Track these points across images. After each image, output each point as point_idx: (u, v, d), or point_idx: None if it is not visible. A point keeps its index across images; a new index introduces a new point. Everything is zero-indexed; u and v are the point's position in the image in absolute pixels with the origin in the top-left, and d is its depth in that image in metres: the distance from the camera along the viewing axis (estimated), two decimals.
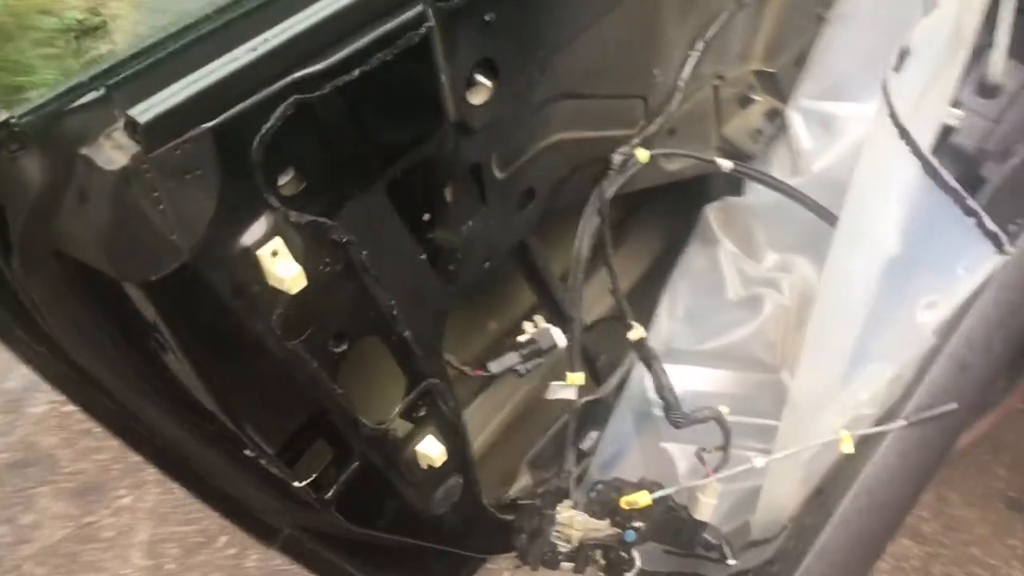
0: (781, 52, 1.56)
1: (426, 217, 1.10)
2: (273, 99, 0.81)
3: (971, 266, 1.30)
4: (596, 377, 1.67)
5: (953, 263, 1.30)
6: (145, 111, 0.72)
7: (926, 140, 1.33)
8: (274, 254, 0.87)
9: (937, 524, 2.31)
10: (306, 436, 1.07)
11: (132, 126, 0.72)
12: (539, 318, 1.43)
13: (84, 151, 0.72)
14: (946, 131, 1.52)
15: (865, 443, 1.35)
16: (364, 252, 0.98)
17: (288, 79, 0.81)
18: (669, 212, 1.80)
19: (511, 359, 1.37)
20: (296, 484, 1.08)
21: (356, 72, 0.85)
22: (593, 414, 1.64)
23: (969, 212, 1.24)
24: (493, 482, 1.62)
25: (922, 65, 1.30)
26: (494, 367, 1.36)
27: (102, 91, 0.72)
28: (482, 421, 1.69)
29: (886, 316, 1.35)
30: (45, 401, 2.69)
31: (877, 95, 1.56)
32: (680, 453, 1.63)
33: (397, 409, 1.14)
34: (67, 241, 0.80)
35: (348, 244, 0.95)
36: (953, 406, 1.32)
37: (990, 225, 1.27)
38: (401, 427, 1.19)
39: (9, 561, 2.36)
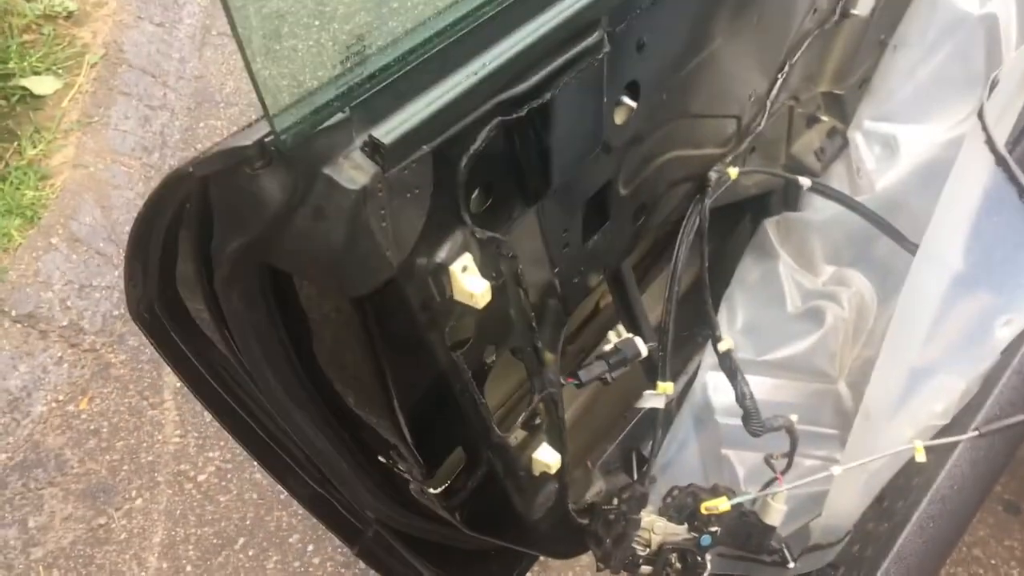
0: (848, 75, 1.62)
1: (564, 233, 1.13)
2: (481, 121, 0.83)
3: None
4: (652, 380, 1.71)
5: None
6: (387, 133, 0.74)
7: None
8: (464, 269, 0.89)
9: None
10: (445, 444, 1.09)
11: (374, 147, 0.74)
12: (620, 328, 1.46)
13: (326, 170, 0.73)
14: None
15: (934, 453, 1.42)
16: (519, 268, 1.00)
17: (495, 101, 0.83)
18: (723, 226, 1.85)
19: (599, 368, 1.40)
20: (432, 491, 1.09)
21: (548, 95, 0.88)
22: (657, 419, 1.69)
23: None
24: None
25: (1007, 96, 1.37)
26: (584, 376, 1.39)
27: (346, 113, 0.73)
28: None
29: (961, 333, 1.43)
30: (47, 400, 2.63)
31: (935, 118, 1.64)
32: (740, 459, 1.68)
33: (522, 417, 1.16)
34: (285, 256, 0.80)
35: (513, 259, 0.98)
36: (1022, 417, 1.39)
37: None
38: (522, 436, 1.22)
39: (20, 565, 2.30)
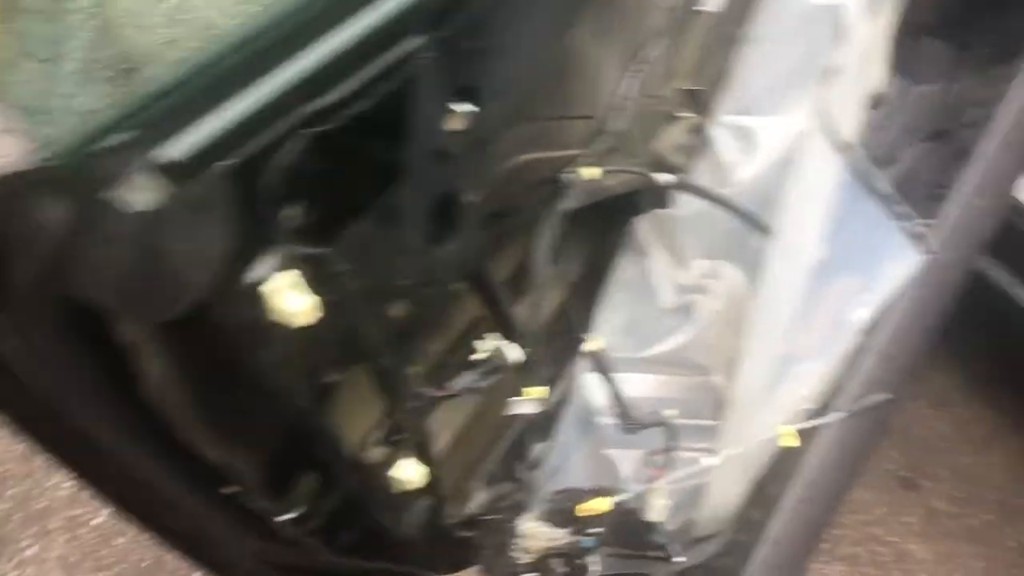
0: (704, 70, 1.65)
1: (409, 242, 1.11)
2: (282, 134, 0.81)
3: (897, 266, 1.41)
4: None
5: (880, 264, 1.41)
6: (169, 151, 0.71)
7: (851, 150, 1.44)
8: (281, 288, 0.86)
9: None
10: (291, 469, 1.07)
11: (158, 167, 0.71)
12: (488, 336, 1.45)
13: (109, 193, 0.71)
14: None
15: (805, 436, 1.44)
16: (358, 282, 0.98)
17: (301, 112, 0.81)
18: (594, 226, 1.86)
19: (469, 378, 1.39)
20: (280, 518, 1.06)
21: (359, 104, 0.86)
22: (540, 425, 1.68)
23: (901, 216, 1.35)
24: (448, 499, 1.64)
25: (842, 82, 1.40)
26: (457, 384, 1.38)
27: (128, 133, 0.70)
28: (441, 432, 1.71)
29: (818, 317, 1.45)
30: None
31: (791, 109, 1.67)
32: (623, 458, 1.69)
33: (379, 435, 1.14)
34: (81, 286, 0.77)
35: (345, 274, 0.96)
36: (889, 396, 1.42)
37: (918, 228, 1.39)
38: (378, 452, 1.20)
39: None
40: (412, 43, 0.90)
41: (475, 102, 1.05)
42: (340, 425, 1.11)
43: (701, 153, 1.76)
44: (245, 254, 0.84)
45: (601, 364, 1.43)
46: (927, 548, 2.38)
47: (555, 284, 1.83)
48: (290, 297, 0.87)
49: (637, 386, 1.70)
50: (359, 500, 1.18)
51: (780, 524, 1.40)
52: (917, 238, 1.37)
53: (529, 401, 1.38)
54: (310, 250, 0.90)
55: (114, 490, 1.16)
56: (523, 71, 1.18)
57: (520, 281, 1.74)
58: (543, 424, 1.69)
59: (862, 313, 1.43)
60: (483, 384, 1.40)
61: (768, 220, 1.59)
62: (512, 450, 1.61)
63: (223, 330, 0.85)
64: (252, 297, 0.85)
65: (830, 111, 1.36)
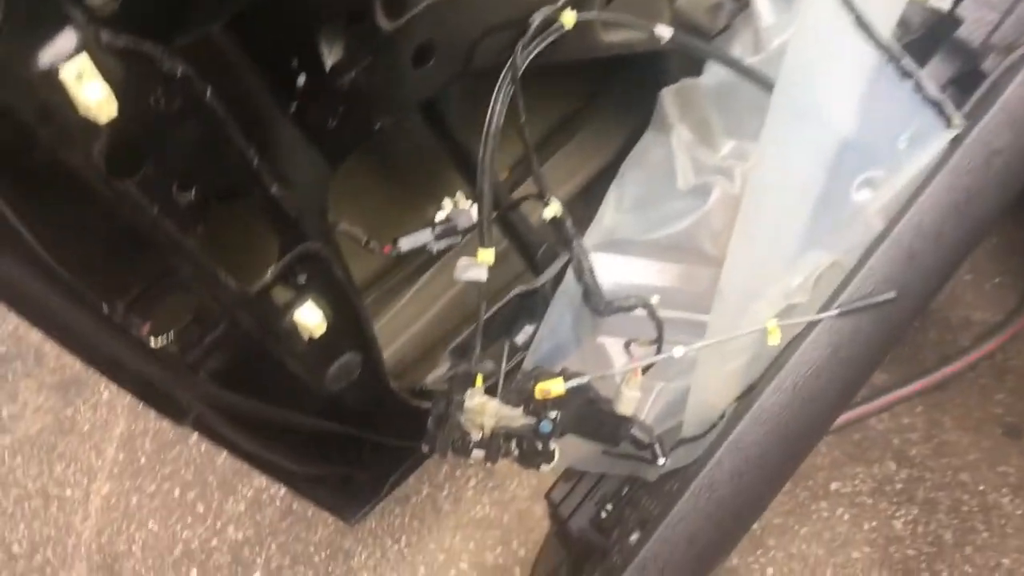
0: None
1: (294, 64, 1.02)
2: None
3: (915, 139, 1.19)
4: (535, 267, 1.59)
5: (894, 136, 1.19)
6: None
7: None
8: (80, 76, 0.80)
9: (926, 448, 2.20)
10: (160, 291, 1.02)
11: None
12: (461, 196, 1.35)
13: None
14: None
15: (791, 335, 1.25)
16: (209, 92, 0.91)
17: None
18: (630, 102, 1.70)
19: (423, 236, 1.30)
20: (152, 342, 1.03)
21: None
22: (529, 306, 1.57)
23: (906, 75, 1.13)
24: (427, 369, 1.57)
25: None
26: (404, 244, 1.29)
27: None
28: (417, 311, 1.64)
29: (825, 197, 1.25)
30: None
31: None
32: (617, 348, 1.55)
33: (269, 272, 1.08)
34: None
35: (185, 80, 0.88)
36: (891, 295, 1.21)
37: (932, 92, 1.15)
38: (283, 294, 1.13)
39: None
40: None
41: None
42: (234, 258, 1.05)
43: (745, 19, 1.55)
44: (38, 32, 0.78)
45: (562, 232, 1.29)
46: (1019, 503, 2.07)
47: (573, 163, 1.70)
48: (91, 86, 0.80)
49: (640, 272, 1.55)
50: (259, 342, 1.13)
51: (747, 427, 1.23)
52: (936, 106, 1.14)
53: (475, 266, 1.27)
54: (128, 42, 0.83)
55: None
56: None
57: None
58: (532, 305, 1.58)
59: (872, 195, 1.21)
60: (437, 245, 1.31)
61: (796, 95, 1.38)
62: (492, 328, 1.52)
63: (22, 119, 0.80)
64: (49, 82, 0.79)
65: None
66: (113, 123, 0.83)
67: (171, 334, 1.04)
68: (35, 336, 2.64)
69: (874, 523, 2.10)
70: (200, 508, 2.26)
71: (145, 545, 2.21)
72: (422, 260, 1.63)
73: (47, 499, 2.30)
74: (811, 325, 1.23)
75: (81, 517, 2.26)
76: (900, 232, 1.23)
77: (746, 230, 1.29)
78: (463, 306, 1.62)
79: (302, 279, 1.13)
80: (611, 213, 1.56)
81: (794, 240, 1.27)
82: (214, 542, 2.20)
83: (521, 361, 1.58)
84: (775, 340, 1.23)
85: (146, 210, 0.92)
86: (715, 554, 1.24)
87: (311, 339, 1.15)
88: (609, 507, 1.77)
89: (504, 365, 1.53)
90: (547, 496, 1.87)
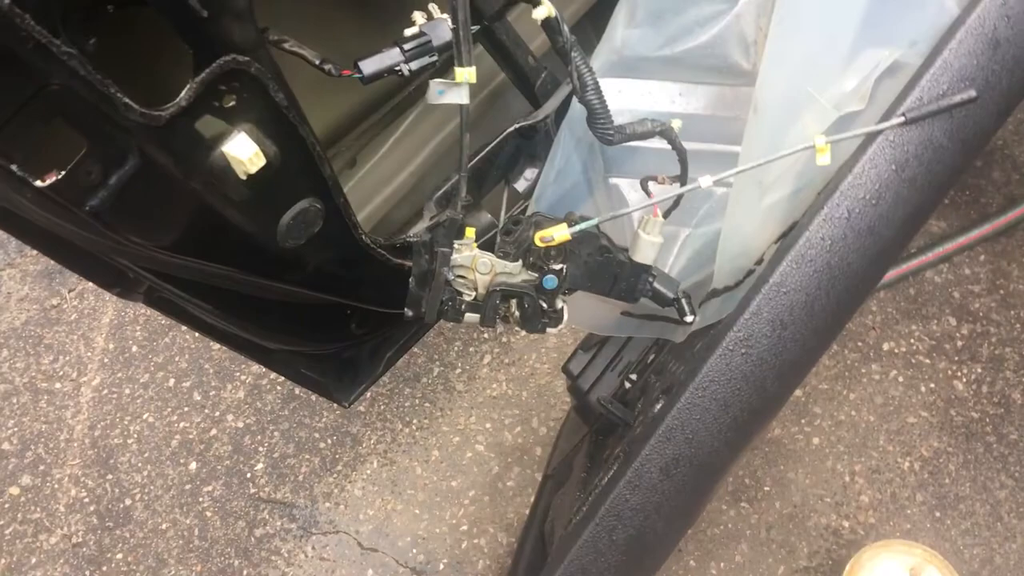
0: None
1: None
2: None
3: None
4: (535, 102, 1.35)
5: None
6: None
7: None
8: None
9: (990, 300, 1.97)
10: (34, 115, 0.80)
11: None
12: (434, 7, 1.10)
13: None
14: None
15: (845, 153, 1.02)
16: None
17: None
18: None
19: (391, 57, 1.06)
20: (37, 183, 0.82)
21: None
22: (528, 147, 1.34)
23: None
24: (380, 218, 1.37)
25: None
26: (368, 66, 1.05)
27: None
28: (400, 161, 1.41)
29: None
30: None
31: None
32: (633, 190, 1.32)
33: (184, 92, 0.85)
34: None
35: None
36: (971, 94, 0.96)
37: None
38: (212, 126, 0.91)
39: None
40: None
41: None
42: (115, 70, 0.82)
43: None
44: None
45: (560, 42, 1.04)
46: None
47: None
48: None
49: (658, 97, 1.31)
50: (185, 185, 0.91)
51: (789, 269, 1.01)
52: None
53: (451, 86, 1.03)
54: None
55: None
56: None
57: None
58: (532, 145, 1.34)
59: None
60: (409, 67, 1.07)
61: None
62: (477, 171, 1.29)
63: None
64: None
65: None
66: None
67: (61, 173, 0.83)
68: None
69: (932, 385, 1.90)
70: (197, 397, 2.11)
71: (140, 438, 2.06)
72: (401, 98, 1.40)
73: (36, 393, 2.16)
74: (869, 138, 0.99)
75: (72, 411, 2.12)
76: (983, 15, 0.98)
77: (787, 24, 1.04)
78: (455, 153, 1.39)
79: (230, 102, 0.90)
80: (621, 29, 1.30)
81: (848, 33, 1.02)
82: (213, 432, 2.06)
83: (523, 211, 1.36)
84: (825, 159, 0.99)
85: None
86: (754, 421, 1.04)
87: (250, 180, 0.93)
88: (633, 377, 1.58)
89: (504, 215, 1.32)
90: (564, 368, 1.68)
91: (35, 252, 2.39)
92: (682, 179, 1.17)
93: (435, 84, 1.04)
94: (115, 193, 0.87)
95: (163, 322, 2.23)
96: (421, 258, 1.14)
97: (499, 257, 1.15)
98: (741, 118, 1.27)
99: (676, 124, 1.14)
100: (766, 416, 1.06)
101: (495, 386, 2.03)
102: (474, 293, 1.17)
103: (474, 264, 1.14)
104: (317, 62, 1.04)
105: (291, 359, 1.45)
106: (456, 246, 1.13)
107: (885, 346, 1.94)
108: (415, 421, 2.01)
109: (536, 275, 1.15)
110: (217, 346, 2.18)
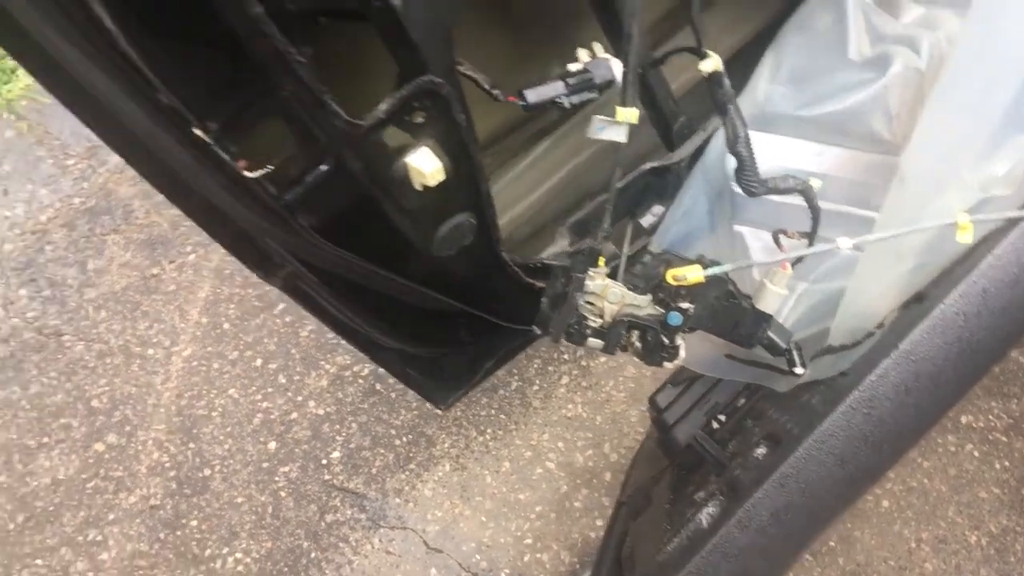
0: None
1: None
2: None
3: None
4: (671, 144, 1.39)
5: None
6: None
7: None
8: None
9: None
10: (258, 114, 0.87)
11: None
12: (599, 47, 1.16)
13: None
14: None
15: (986, 233, 1.05)
16: None
17: None
18: None
19: (554, 89, 1.12)
20: (247, 173, 0.88)
21: None
22: (659, 186, 1.39)
23: None
24: (539, 248, 1.41)
25: None
26: (532, 96, 1.11)
27: None
28: (534, 181, 1.47)
29: None
30: None
31: None
32: (756, 238, 1.36)
33: (384, 105, 0.92)
34: None
35: None
36: None
37: None
38: (395, 137, 0.98)
39: (73, 302, 2.35)
40: None
41: None
42: (347, 89, 0.89)
43: None
44: None
45: (720, 95, 1.09)
46: None
47: (723, 25, 1.48)
48: None
49: (794, 153, 1.35)
50: (366, 189, 0.98)
51: (922, 338, 1.04)
52: None
53: (612, 125, 1.08)
54: None
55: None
56: None
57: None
58: (663, 184, 1.39)
59: None
60: (571, 100, 1.13)
61: None
62: (619, 203, 1.34)
63: None
64: None
65: None
66: None
67: (268, 167, 0.89)
68: (125, 190, 2.56)
69: (1007, 462, 1.91)
70: (282, 379, 2.18)
71: (225, 412, 2.14)
72: (543, 124, 1.45)
73: (129, 356, 2.25)
74: (1012, 223, 1.03)
75: (162, 378, 2.21)
76: None
77: (942, 104, 1.08)
78: (585, 179, 1.44)
79: (419, 118, 0.97)
80: (765, 83, 1.35)
81: (1000, 119, 1.06)
82: (294, 415, 2.12)
83: (645, 246, 1.41)
84: (967, 238, 1.03)
85: (247, 7, 0.76)
86: (867, 479, 1.07)
87: (424, 191, 1.00)
88: (722, 418, 1.61)
89: (627, 247, 1.36)
90: (652, 399, 1.72)
91: (140, 220, 2.49)
92: (811, 236, 1.21)
93: (597, 120, 1.10)
94: (310, 190, 0.94)
95: (256, 304, 2.31)
96: (557, 281, 1.19)
97: (628, 288, 1.20)
98: (873, 183, 1.32)
99: (816, 184, 1.18)
100: (878, 476, 1.09)
101: (570, 407, 2.08)
102: (600, 320, 1.22)
103: (605, 293, 1.19)
104: (487, 86, 1.11)
105: (399, 357, 1.51)
106: (590, 273, 1.19)
107: (963, 419, 1.95)
108: (489, 431, 2.07)
109: (662, 310, 1.20)
110: (305, 332, 2.25)
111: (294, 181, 0.93)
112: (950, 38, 1.27)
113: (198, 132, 0.86)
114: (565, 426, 2.05)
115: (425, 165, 0.97)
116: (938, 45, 1.26)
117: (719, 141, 1.34)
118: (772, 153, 1.36)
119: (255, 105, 0.85)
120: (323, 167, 0.93)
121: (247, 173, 0.89)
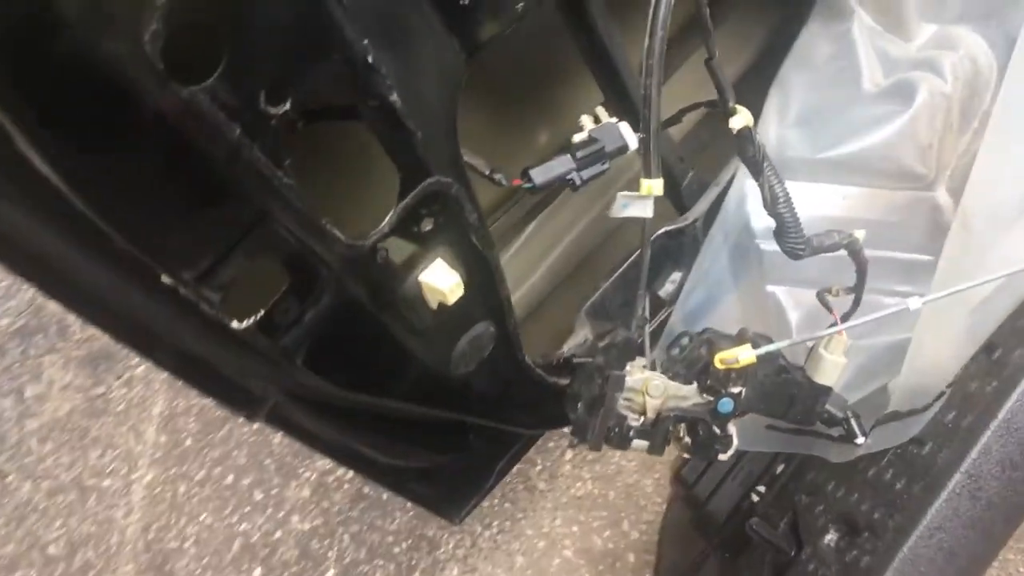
0: None
1: None
2: None
3: None
4: (680, 203, 1.26)
5: None
6: None
7: None
8: None
9: None
10: (242, 255, 0.71)
11: None
12: (602, 111, 1.02)
13: None
14: None
15: None
16: None
17: None
18: None
19: (562, 165, 0.97)
20: (235, 324, 0.72)
21: None
22: (675, 250, 1.25)
23: None
24: (546, 339, 1.26)
25: None
26: (539, 176, 0.96)
27: None
28: (532, 261, 1.32)
29: None
30: None
31: None
32: (792, 299, 1.23)
33: (388, 217, 0.76)
34: None
35: None
36: None
37: None
38: (400, 250, 0.82)
39: (13, 436, 2.12)
40: None
41: None
42: (337, 206, 0.73)
43: None
44: None
45: (753, 152, 0.96)
46: None
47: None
48: None
49: (818, 200, 1.23)
50: (372, 316, 0.82)
51: (1020, 404, 0.92)
52: None
53: (642, 199, 0.94)
54: None
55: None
56: None
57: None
58: (678, 249, 1.26)
59: None
60: (581, 175, 0.98)
61: None
62: (631, 280, 1.20)
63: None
64: None
65: None
66: None
67: (260, 313, 0.73)
68: (56, 305, 2.34)
69: None
70: (258, 496, 1.98)
71: (199, 541, 1.93)
72: (532, 200, 1.31)
73: (83, 491, 2.02)
74: None
75: (124, 511, 1.99)
76: None
77: (1001, 144, 0.96)
78: (587, 255, 1.30)
79: (427, 226, 0.82)
80: (774, 128, 1.23)
81: None
82: (278, 534, 1.92)
83: (666, 319, 1.27)
84: None
85: (223, 131, 0.60)
86: (977, 569, 0.94)
87: (440, 308, 0.84)
88: (762, 489, 1.48)
89: (648, 325, 1.22)
90: (677, 476, 1.58)
91: (78, 335, 2.27)
92: (858, 291, 1.08)
93: (622, 197, 0.95)
94: (309, 331, 0.77)
95: (218, 414, 2.10)
96: (591, 382, 1.04)
97: (669, 378, 1.05)
98: (911, 223, 1.20)
99: (860, 235, 1.05)
100: (989, 562, 0.96)
101: (579, 485, 1.92)
102: (641, 418, 1.07)
103: (645, 387, 1.04)
104: (487, 172, 0.96)
105: (401, 473, 1.34)
106: (628, 367, 1.04)
107: None
108: (495, 523, 1.89)
109: (711, 398, 1.06)
110: (277, 439, 2.06)
111: (293, 321, 0.77)
112: (972, 57, 1.16)
113: (167, 280, 0.70)
114: (577, 507, 1.89)
115: (442, 281, 0.81)
116: (961, 65, 1.15)
117: (736, 194, 1.22)
118: (795, 202, 1.23)
119: (239, 244, 0.69)
120: (322, 302, 0.77)
121: (235, 325, 0.72)
